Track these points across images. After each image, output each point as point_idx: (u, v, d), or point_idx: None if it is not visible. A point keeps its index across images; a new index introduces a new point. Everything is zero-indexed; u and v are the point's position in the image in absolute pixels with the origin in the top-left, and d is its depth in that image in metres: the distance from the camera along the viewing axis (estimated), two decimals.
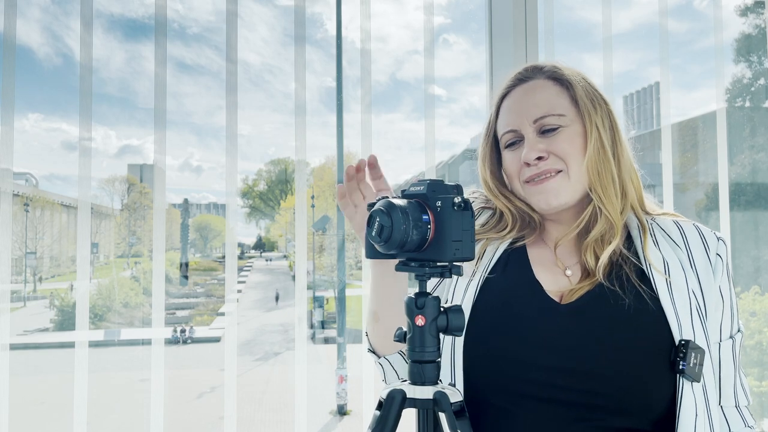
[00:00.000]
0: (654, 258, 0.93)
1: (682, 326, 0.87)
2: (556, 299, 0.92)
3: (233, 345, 2.01)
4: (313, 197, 19.05)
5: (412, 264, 0.78)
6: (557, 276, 0.95)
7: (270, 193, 27.15)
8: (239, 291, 20.41)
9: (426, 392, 0.76)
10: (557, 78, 0.97)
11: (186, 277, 20.58)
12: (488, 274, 0.95)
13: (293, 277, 2.11)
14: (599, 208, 0.93)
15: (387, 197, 0.79)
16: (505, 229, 0.99)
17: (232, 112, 1.85)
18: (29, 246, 18.07)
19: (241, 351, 15.45)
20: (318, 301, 17.43)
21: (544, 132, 0.94)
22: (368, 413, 1.98)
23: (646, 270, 0.92)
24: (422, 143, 2.04)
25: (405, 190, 0.82)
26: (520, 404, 0.87)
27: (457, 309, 0.78)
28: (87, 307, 1.94)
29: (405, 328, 0.79)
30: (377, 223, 0.75)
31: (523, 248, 0.98)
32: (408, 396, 0.77)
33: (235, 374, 1.89)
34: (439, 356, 0.78)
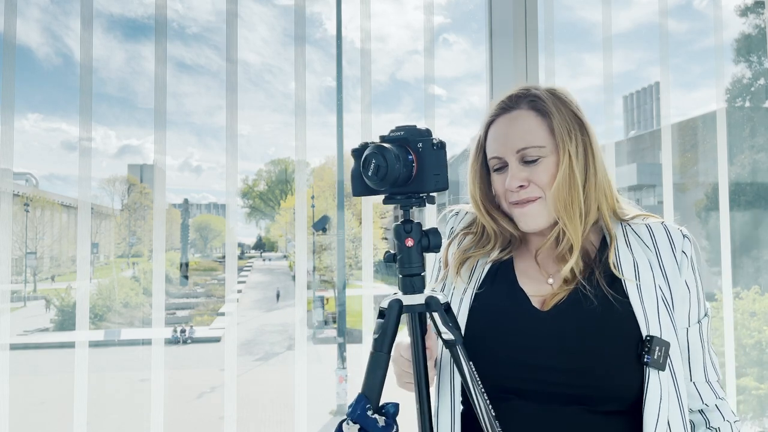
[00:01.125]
0: (624, 261, 1.05)
1: (649, 323, 1.00)
2: (539, 305, 1.05)
3: (233, 345, 2.01)
4: (313, 197, 19.05)
5: (398, 197, 0.94)
6: (541, 284, 1.08)
7: (270, 193, 27.15)
8: (239, 291, 20.41)
9: (419, 299, 0.93)
10: (538, 109, 1.05)
11: (186, 277, 20.58)
12: (478, 289, 1.08)
13: (293, 277, 2.12)
14: (561, 225, 1.05)
15: (373, 142, 0.93)
16: (488, 244, 1.12)
17: (232, 112, 1.85)
18: (29, 246, 18.07)
19: (241, 351, 15.45)
20: (318, 301, 17.44)
21: (526, 162, 1.04)
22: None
23: (618, 269, 1.04)
24: None
25: (385, 136, 0.95)
26: (514, 399, 1.01)
27: (434, 231, 0.94)
28: (87, 307, 1.94)
29: (393, 251, 0.95)
30: (373, 164, 0.89)
31: (510, 261, 1.11)
32: (405, 303, 0.93)
33: (235, 374, 1.90)
34: (424, 270, 0.94)
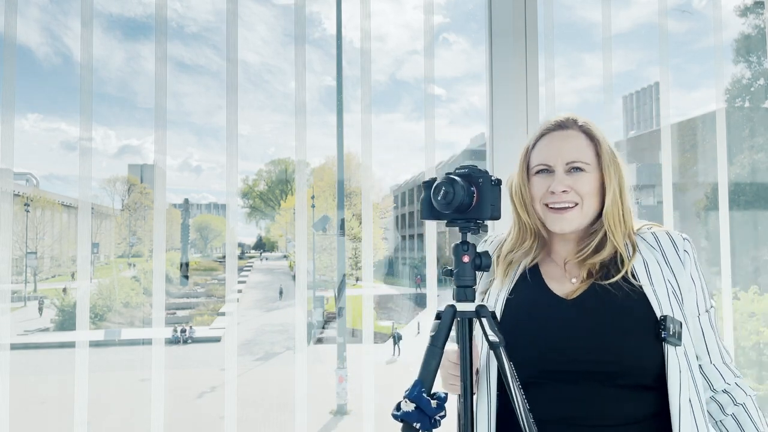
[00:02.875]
0: (636, 262, 1.22)
1: (661, 305, 1.16)
2: (564, 297, 1.22)
3: (233, 345, 2.01)
4: (313, 197, 19.05)
5: (459, 221, 1.12)
6: (565, 284, 1.25)
7: (270, 193, 27.15)
8: (239, 291, 20.42)
9: (470, 306, 1.11)
10: (588, 133, 1.25)
11: (186, 277, 20.59)
12: (509, 293, 1.26)
13: (293, 277, 2.12)
14: (610, 239, 1.22)
15: (445, 175, 1.10)
16: (525, 242, 1.29)
17: (233, 112, 1.86)
18: (29, 246, 18.08)
19: (241, 351, 15.45)
20: (318, 301, 17.43)
21: (571, 170, 1.21)
22: (368, 413, 1.99)
23: (631, 269, 1.21)
24: (422, 143, 2.05)
25: (450, 173, 1.12)
26: (547, 379, 1.15)
27: (486, 253, 1.13)
28: (87, 307, 1.95)
29: (450, 267, 1.12)
30: (443, 191, 1.08)
31: (536, 266, 1.28)
32: (458, 309, 1.10)
33: (235, 374, 1.90)
34: (475, 283, 1.13)
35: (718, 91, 2.39)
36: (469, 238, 1.13)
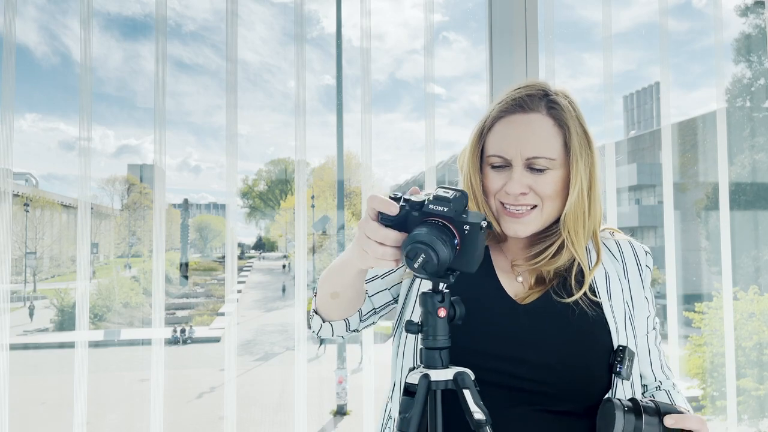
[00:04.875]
0: (597, 272, 1.08)
1: (619, 332, 1.04)
2: (514, 299, 1.07)
3: (233, 345, 2.00)
4: (313, 197, 19.04)
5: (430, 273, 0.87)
6: (511, 280, 1.09)
7: (270, 193, 27.13)
8: (239, 291, 20.41)
9: (447, 374, 0.87)
10: (556, 117, 1.02)
11: (186, 277, 20.57)
12: None
13: (293, 277, 2.11)
14: (568, 245, 1.05)
15: (410, 200, 0.88)
16: None
17: (232, 112, 1.85)
18: (29, 246, 18.07)
19: (241, 351, 15.43)
20: None
21: (532, 169, 1.01)
22: (368, 413, 1.98)
23: (592, 283, 1.07)
24: (422, 143, 2.04)
25: (423, 204, 0.87)
26: (481, 390, 0.94)
27: (458, 300, 0.90)
28: (87, 307, 1.94)
29: (417, 320, 0.90)
30: (421, 259, 0.82)
31: (487, 253, 1.09)
32: (432, 379, 0.86)
33: (235, 374, 1.89)
34: (450, 342, 0.89)
35: (718, 90, 2.38)
36: (441, 284, 0.90)
